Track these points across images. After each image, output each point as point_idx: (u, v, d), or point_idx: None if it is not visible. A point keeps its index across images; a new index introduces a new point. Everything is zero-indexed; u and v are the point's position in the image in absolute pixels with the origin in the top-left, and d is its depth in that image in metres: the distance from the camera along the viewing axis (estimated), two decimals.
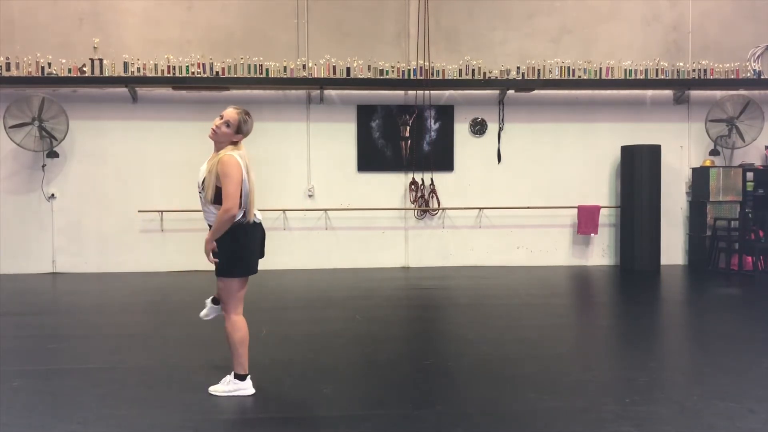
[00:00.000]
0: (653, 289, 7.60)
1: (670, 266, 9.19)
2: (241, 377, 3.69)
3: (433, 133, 9.21)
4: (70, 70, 8.54)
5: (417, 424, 3.24)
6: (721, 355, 4.47)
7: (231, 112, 3.65)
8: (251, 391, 3.68)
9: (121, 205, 8.88)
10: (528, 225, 9.35)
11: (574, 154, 9.36)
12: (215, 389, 3.70)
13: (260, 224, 3.75)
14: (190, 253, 8.98)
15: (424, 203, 9.17)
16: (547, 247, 9.40)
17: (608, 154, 9.37)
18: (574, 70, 9.04)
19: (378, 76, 8.86)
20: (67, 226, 8.87)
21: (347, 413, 3.42)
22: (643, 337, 5.10)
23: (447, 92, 9.21)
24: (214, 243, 3.57)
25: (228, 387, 3.69)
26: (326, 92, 9.07)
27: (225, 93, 8.92)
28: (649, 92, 9.37)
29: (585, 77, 9.04)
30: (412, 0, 9.11)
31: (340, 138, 9.11)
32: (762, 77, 9.19)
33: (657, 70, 9.09)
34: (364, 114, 9.13)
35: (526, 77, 9.02)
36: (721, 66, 9.15)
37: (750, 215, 8.60)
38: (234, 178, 3.47)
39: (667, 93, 9.37)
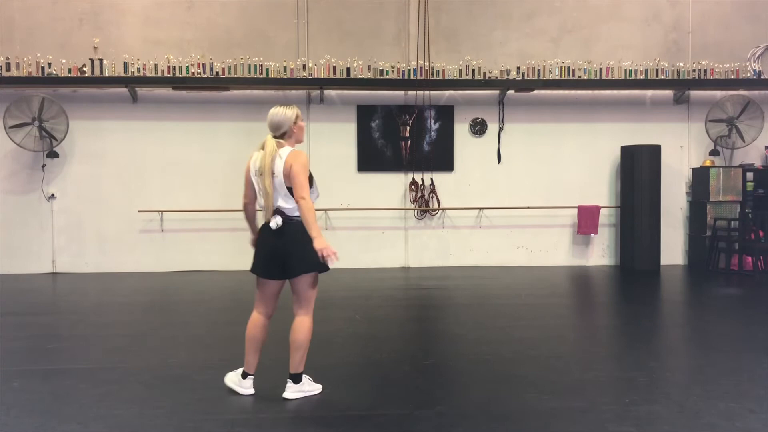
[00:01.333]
0: (653, 289, 7.60)
1: (670, 266, 9.19)
2: (243, 375, 3.70)
3: (433, 133, 9.21)
4: (70, 70, 8.54)
5: (417, 424, 3.24)
6: (721, 355, 4.47)
7: None
8: (250, 391, 3.68)
9: (121, 205, 8.88)
10: (528, 225, 9.35)
11: (574, 154, 9.36)
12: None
13: (276, 231, 3.53)
14: (190, 253, 8.99)
15: (424, 203, 9.17)
16: (547, 247, 9.40)
17: (608, 154, 9.37)
18: (574, 70, 9.04)
19: (378, 76, 8.86)
20: (67, 226, 8.87)
21: (347, 413, 3.41)
22: (643, 337, 5.10)
23: (447, 92, 9.22)
24: None
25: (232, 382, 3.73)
26: (326, 92, 9.07)
27: (225, 93, 8.92)
28: (649, 92, 9.37)
29: (585, 77, 9.04)
30: (412, 0, 9.11)
31: (340, 138, 9.11)
32: (762, 77, 9.19)
33: (657, 70, 9.09)
34: (364, 114, 9.13)
35: (526, 77, 9.02)
36: (721, 66, 9.15)
37: (750, 215, 8.60)
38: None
39: (667, 93, 9.37)
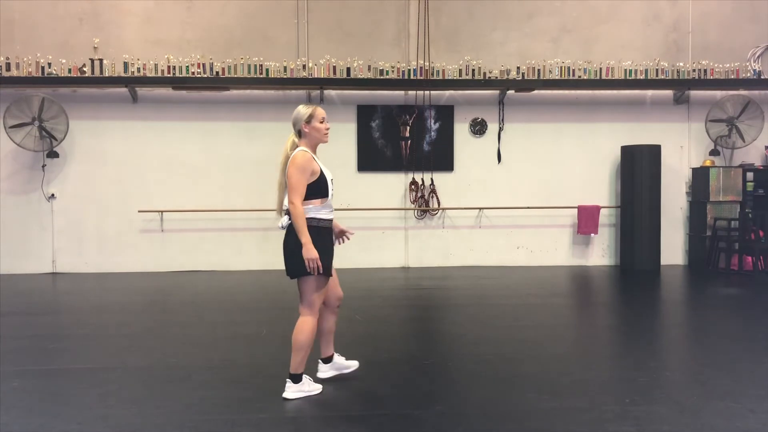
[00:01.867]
0: (653, 289, 7.60)
1: (670, 266, 9.19)
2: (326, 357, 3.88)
3: (433, 133, 9.21)
4: (70, 70, 8.54)
5: (417, 424, 3.24)
6: (721, 355, 4.46)
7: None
8: (325, 375, 3.87)
9: (121, 205, 8.88)
10: (528, 225, 9.35)
11: (574, 154, 9.36)
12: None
13: (285, 231, 3.61)
14: (190, 253, 8.99)
15: (424, 203, 9.17)
16: (547, 247, 9.40)
17: (608, 154, 9.37)
18: (574, 70, 9.04)
19: (378, 76, 8.86)
20: (67, 226, 8.87)
21: (347, 413, 3.41)
22: (643, 337, 5.10)
23: (447, 92, 9.21)
24: None
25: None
26: (326, 92, 9.07)
27: (225, 93, 8.92)
28: (649, 92, 9.37)
29: (585, 77, 9.04)
30: (412, 0, 9.11)
31: (340, 138, 9.09)
32: (762, 77, 9.19)
33: (657, 70, 9.09)
34: (364, 114, 9.13)
35: (526, 77, 9.02)
36: (721, 66, 9.14)
37: (750, 215, 8.60)
38: None
39: (667, 93, 9.37)
